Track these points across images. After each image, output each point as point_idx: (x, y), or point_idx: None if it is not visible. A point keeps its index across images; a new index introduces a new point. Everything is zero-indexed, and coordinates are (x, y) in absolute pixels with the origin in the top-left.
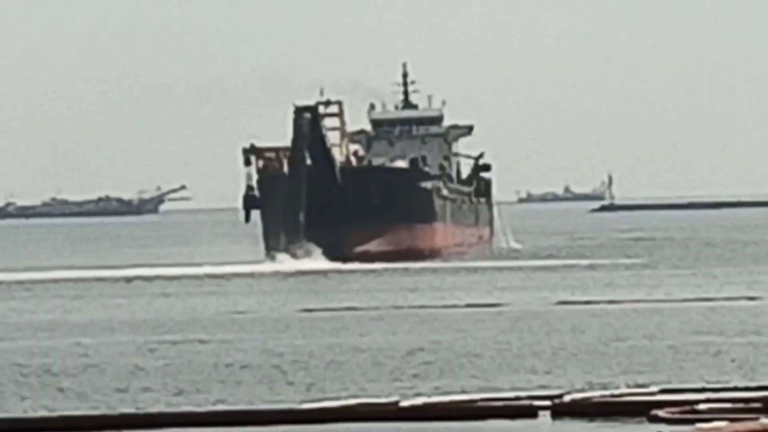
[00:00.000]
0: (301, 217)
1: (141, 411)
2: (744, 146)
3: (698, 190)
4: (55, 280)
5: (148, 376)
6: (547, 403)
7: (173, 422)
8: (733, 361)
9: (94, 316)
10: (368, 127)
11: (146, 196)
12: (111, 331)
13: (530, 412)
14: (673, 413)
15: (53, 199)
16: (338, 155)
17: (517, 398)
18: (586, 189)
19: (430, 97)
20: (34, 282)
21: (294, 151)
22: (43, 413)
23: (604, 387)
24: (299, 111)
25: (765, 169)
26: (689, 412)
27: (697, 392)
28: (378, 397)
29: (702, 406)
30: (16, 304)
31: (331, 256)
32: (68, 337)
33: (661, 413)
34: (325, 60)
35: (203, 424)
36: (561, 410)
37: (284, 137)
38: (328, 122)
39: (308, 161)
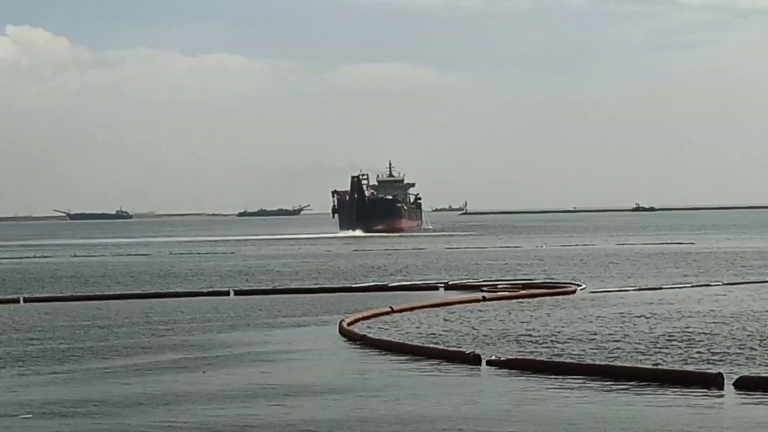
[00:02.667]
0: (353, 217)
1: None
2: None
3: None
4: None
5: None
6: None
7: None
8: None
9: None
10: (375, 183)
11: (296, 208)
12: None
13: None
14: None
15: None
16: (367, 193)
17: None
18: (461, 205)
19: (399, 172)
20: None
21: (351, 192)
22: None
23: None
24: (353, 177)
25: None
26: None
27: None
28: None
29: None
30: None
31: (365, 231)
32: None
33: None
34: (360, 152)
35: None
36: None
37: (347, 186)
38: (363, 181)
39: (356, 196)
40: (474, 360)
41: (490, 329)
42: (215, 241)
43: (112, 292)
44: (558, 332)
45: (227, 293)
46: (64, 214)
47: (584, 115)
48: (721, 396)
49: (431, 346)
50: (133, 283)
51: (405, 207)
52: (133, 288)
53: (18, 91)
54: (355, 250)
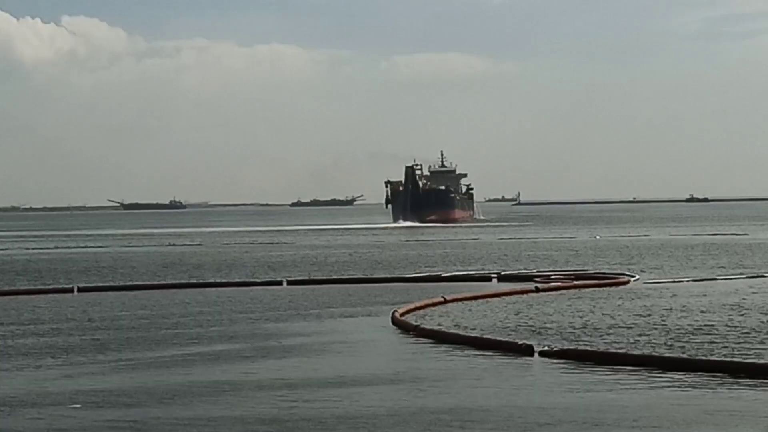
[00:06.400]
0: (407, 207)
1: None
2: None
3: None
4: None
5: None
6: None
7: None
8: None
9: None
10: (427, 173)
11: (349, 198)
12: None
13: None
14: None
15: None
16: (420, 184)
17: None
18: (514, 195)
19: (452, 162)
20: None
21: (404, 182)
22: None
23: None
24: (407, 168)
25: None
26: None
27: None
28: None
29: None
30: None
31: (419, 221)
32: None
33: None
34: (414, 142)
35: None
36: None
37: (401, 176)
38: (417, 171)
39: (410, 186)
40: (526, 350)
41: (543, 320)
42: (268, 231)
43: (164, 281)
44: (610, 323)
45: (280, 283)
46: (118, 204)
47: (639, 105)
48: None
49: (484, 336)
50: (186, 273)
51: (458, 197)
52: (186, 278)
53: (74, 81)
54: (407, 241)
